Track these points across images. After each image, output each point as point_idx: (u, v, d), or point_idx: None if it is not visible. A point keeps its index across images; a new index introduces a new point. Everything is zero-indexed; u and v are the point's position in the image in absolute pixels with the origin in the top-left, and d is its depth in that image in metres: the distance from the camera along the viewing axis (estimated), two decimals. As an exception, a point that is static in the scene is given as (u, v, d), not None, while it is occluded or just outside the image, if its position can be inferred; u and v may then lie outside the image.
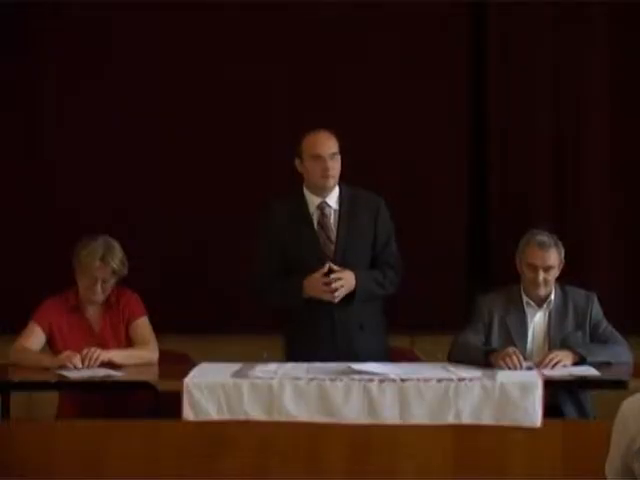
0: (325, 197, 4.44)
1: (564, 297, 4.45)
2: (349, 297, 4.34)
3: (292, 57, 5.27)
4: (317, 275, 4.29)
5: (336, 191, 4.46)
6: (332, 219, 4.44)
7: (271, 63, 5.27)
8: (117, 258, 4.41)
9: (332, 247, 4.41)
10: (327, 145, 4.39)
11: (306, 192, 4.46)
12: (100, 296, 4.43)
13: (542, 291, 4.40)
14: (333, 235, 4.42)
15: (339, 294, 4.30)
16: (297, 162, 4.44)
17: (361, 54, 5.26)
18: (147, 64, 5.31)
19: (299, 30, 5.27)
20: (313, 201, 4.44)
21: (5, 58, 5.33)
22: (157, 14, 5.27)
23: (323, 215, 4.44)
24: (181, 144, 5.30)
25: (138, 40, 5.30)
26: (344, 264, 4.35)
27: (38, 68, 5.34)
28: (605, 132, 5.24)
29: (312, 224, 4.43)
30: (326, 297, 4.30)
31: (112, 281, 4.43)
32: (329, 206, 4.44)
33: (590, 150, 5.25)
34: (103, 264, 4.38)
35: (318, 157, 4.36)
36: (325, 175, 4.37)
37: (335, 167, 4.38)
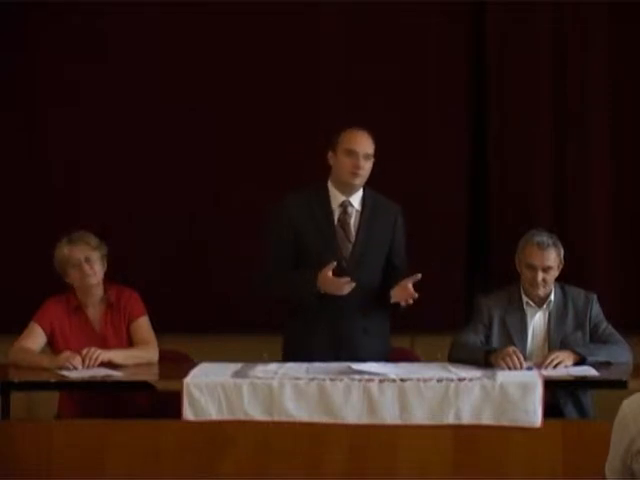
0: (349, 196, 4.41)
1: (564, 297, 4.45)
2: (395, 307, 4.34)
3: (292, 58, 5.27)
4: (328, 272, 4.20)
5: (360, 193, 4.43)
6: (353, 219, 4.42)
7: (271, 64, 5.27)
8: (85, 236, 4.44)
9: (349, 246, 4.38)
10: (364, 144, 4.36)
11: (330, 187, 4.42)
12: (93, 278, 4.42)
13: (541, 291, 4.40)
14: (352, 235, 4.40)
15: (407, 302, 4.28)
16: (330, 154, 4.39)
17: (361, 54, 5.26)
18: (147, 63, 5.31)
19: (301, 31, 5.27)
20: (337, 197, 4.41)
21: (5, 58, 5.33)
22: (157, 13, 5.27)
23: (345, 213, 4.41)
24: (181, 144, 5.30)
25: (138, 40, 5.30)
26: (359, 264, 4.35)
27: (38, 68, 5.34)
28: (605, 132, 5.25)
29: (332, 220, 4.40)
30: (341, 292, 4.24)
31: (96, 258, 4.43)
32: (352, 206, 4.41)
33: (590, 150, 5.25)
34: (74, 245, 4.42)
35: (352, 152, 4.33)
36: (355, 172, 4.33)
37: (366, 168, 4.35)
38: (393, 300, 4.30)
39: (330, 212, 4.40)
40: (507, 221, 5.23)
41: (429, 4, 5.23)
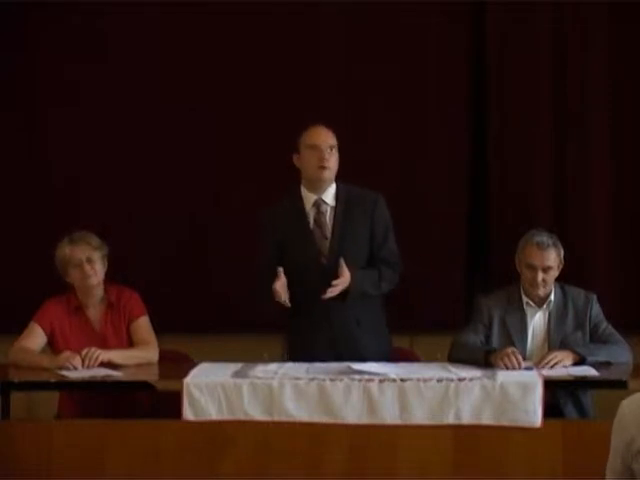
0: (321, 194, 4.42)
1: (564, 297, 4.45)
2: (343, 295, 4.31)
3: (293, 58, 5.27)
4: (277, 284, 4.23)
5: (333, 189, 4.45)
6: (328, 216, 4.43)
7: (271, 64, 5.27)
8: (86, 236, 4.45)
9: (327, 244, 4.40)
10: (325, 137, 4.37)
11: (303, 190, 4.45)
12: (94, 278, 4.42)
13: (541, 291, 4.40)
14: (328, 232, 4.41)
15: (333, 293, 4.26)
16: (295, 157, 4.42)
17: (361, 54, 5.26)
18: (147, 63, 5.31)
19: (301, 31, 5.27)
20: (309, 198, 4.43)
21: (5, 58, 5.33)
22: (157, 13, 5.27)
23: (319, 212, 4.42)
24: (181, 144, 5.31)
25: (138, 40, 5.31)
26: (339, 260, 4.34)
27: (39, 66, 5.34)
28: (605, 132, 5.24)
29: (308, 221, 4.41)
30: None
31: (97, 258, 4.42)
32: (325, 203, 4.43)
33: (590, 150, 5.25)
34: (76, 245, 4.42)
35: (315, 147, 4.35)
36: (321, 166, 4.34)
37: (331, 160, 4.36)
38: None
39: (305, 214, 4.42)
40: (507, 221, 5.22)
41: (429, 4, 5.23)
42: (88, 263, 4.42)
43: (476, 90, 5.30)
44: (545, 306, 4.43)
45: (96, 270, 4.43)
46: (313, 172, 4.38)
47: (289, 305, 4.26)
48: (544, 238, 4.40)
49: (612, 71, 5.23)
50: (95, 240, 4.46)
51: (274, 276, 4.33)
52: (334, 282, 4.24)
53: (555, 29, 5.24)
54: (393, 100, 5.26)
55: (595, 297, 4.46)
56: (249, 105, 5.28)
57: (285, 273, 4.34)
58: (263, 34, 5.26)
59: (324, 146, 4.35)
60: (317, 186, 4.41)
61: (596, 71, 5.23)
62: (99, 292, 4.49)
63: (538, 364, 4.16)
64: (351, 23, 5.26)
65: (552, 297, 4.43)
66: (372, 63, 5.25)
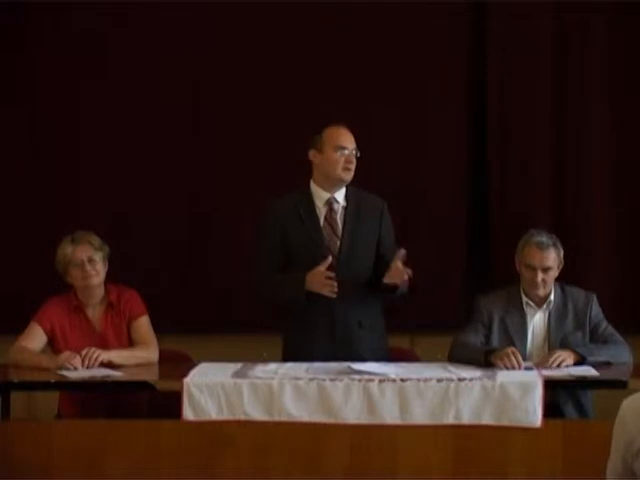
0: (334, 193, 4.42)
1: (564, 297, 4.45)
2: (389, 290, 4.30)
3: (293, 57, 5.28)
4: (321, 269, 4.26)
5: (343, 189, 4.45)
6: (339, 215, 4.42)
7: (272, 63, 5.27)
8: (88, 236, 4.44)
9: (337, 242, 4.39)
10: (352, 139, 4.40)
11: (314, 187, 4.44)
12: (95, 278, 4.42)
13: (541, 292, 4.40)
14: (339, 231, 4.41)
15: (398, 278, 4.22)
16: (312, 153, 4.39)
17: (361, 54, 5.26)
18: (147, 63, 5.32)
19: (300, 30, 5.27)
20: (321, 196, 4.42)
21: (5, 58, 5.33)
22: (157, 13, 5.27)
23: (331, 210, 4.42)
24: (181, 144, 5.31)
25: (137, 40, 5.31)
26: (348, 259, 4.35)
27: (39, 66, 5.34)
28: (605, 133, 5.25)
29: (318, 219, 4.41)
30: (325, 292, 4.26)
31: (99, 258, 4.42)
32: (337, 202, 4.43)
33: (590, 151, 5.25)
34: (78, 245, 4.42)
35: (343, 148, 4.36)
36: (347, 167, 4.35)
37: (354, 163, 4.39)
38: (390, 282, 4.26)
39: (315, 211, 4.41)
40: (507, 221, 5.23)
41: (429, 4, 5.23)
42: (90, 263, 4.42)
43: (476, 90, 5.30)
44: (545, 306, 4.43)
45: (97, 270, 4.43)
46: (338, 172, 4.37)
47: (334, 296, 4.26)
48: (544, 238, 4.40)
49: (612, 72, 5.23)
50: (97, 240, 4.47)
51: (274, 275, 4.34)
52: (400, 267, 4.19)
53: (555, 29, 5.24)
54: (393, 100, 5.26)
55: (595, 297, 4.46)
56: (249, 105, 5.28)
57: (291, 270, 4.34)
58: (263, 34, 5.27)
59: (351, 148, 4.37)
60: (334, 185, 4.41)
61: (596, 71, 5.23)
62: (100, 292, 4.49)
63: (541, 365, 4.16)
64: (351, 23, 5.26)
65: (552, 297, 4.43)
66: (372, 63, 5.25)
